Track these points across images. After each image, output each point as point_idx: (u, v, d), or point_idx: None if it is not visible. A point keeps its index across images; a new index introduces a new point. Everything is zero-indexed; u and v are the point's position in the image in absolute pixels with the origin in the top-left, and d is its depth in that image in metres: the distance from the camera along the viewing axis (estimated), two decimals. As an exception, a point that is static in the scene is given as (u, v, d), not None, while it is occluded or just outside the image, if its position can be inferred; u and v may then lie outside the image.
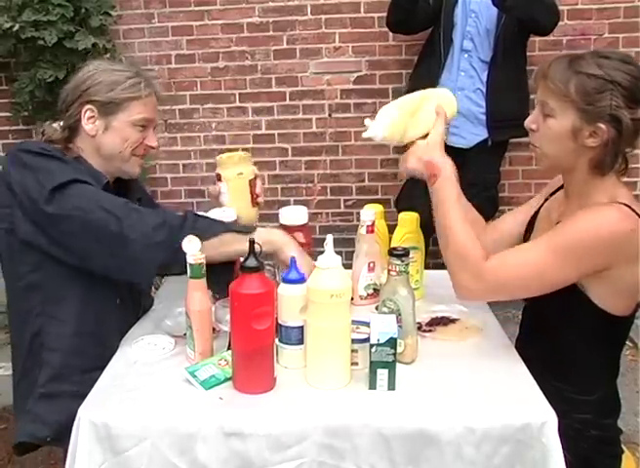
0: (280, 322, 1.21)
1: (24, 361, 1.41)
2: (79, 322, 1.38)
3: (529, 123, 1.29)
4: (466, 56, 2.73)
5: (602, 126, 1.19)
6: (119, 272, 1.34)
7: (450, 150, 1.35)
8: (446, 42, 2.74)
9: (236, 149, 3.36)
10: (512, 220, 1.52)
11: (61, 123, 1.45)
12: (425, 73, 2.78)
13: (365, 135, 1.31)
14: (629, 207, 1.21)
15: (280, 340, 1.22)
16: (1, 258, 1.43)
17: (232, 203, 1.52)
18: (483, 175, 2.77)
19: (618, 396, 1.38)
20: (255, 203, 1.57)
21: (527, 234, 1.43)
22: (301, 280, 1.20)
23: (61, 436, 1.20)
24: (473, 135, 2.77)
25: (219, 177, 1.54)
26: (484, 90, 2.73)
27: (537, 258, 1.22)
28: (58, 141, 1.45)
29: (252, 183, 1.55)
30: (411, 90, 3.06)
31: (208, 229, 1.31)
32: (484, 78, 2.73)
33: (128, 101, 1.41)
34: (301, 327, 1.20)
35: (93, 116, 1.41)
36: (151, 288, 1.72)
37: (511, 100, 2.69)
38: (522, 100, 2.70)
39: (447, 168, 1.29)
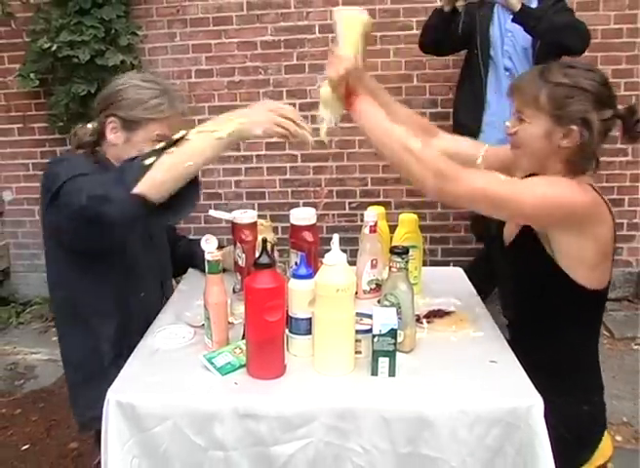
0: (290, 314, 1.21)
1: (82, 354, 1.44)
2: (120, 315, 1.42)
3: (509, 129, 1.31)
4: (508, 74, 2.59)
5: (574, 128, 1.22)
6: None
7: None
8: (485, 61, 2.61)
9: (250, 156, 3.36)
10: (471, 146, 1.48)
11: (95, 124, 1.44)
12: (469, 92, 2.69)
13: (322, 132, 1.36)
14: (592, 187, 1.23)
15: (290, 331, 1.22)
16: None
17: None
18: None
19: (600, 374, 1.36)
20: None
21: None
22: (310, 276, 1.20)
23: None
24: None
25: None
26: None
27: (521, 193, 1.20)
28: (86, 145, 1.44)
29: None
30: (456, 109, 2.80)
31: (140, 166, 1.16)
32: None
33: (147, 121, 1.40)
34: (310, 318, 1.20)
35: (116, 127, 1.41)
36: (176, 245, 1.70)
37: None
38: None
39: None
